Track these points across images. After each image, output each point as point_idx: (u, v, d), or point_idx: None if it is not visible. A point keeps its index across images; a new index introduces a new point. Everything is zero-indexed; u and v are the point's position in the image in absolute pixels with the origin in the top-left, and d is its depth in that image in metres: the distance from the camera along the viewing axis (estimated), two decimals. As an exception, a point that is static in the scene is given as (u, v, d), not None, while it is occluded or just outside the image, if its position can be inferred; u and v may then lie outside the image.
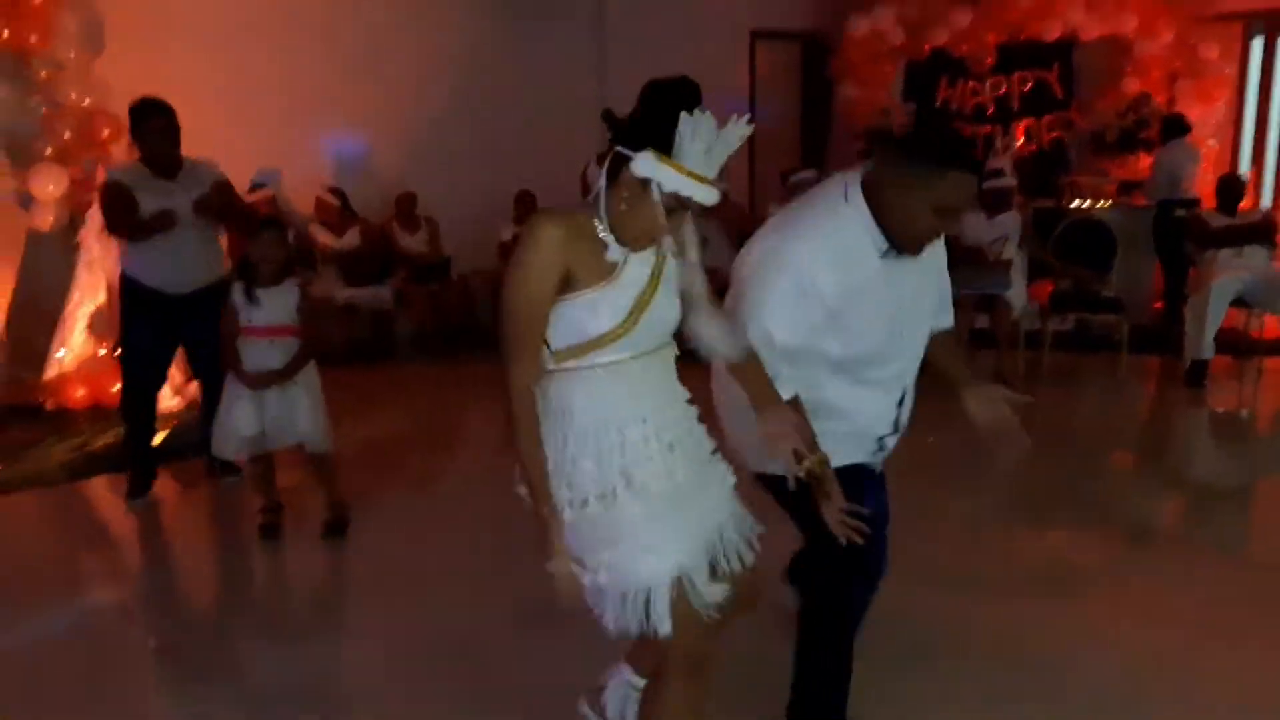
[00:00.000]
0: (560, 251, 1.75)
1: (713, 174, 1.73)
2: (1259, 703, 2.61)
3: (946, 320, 2.37)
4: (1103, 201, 7.70)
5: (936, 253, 2.24)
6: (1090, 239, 6.65)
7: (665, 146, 1.71)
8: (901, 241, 2.08)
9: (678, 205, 1.75)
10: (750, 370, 2.04)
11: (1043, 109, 8.72)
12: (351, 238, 6.84)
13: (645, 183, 1.73)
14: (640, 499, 1.82)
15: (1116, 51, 8.48)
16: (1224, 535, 3.97)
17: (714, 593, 1.87)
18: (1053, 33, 8.35)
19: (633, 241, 1.80)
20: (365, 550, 3.78)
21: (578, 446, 1.83)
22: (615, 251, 1.79)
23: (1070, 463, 4.76)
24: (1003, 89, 8.79)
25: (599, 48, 8.29)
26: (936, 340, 2.33)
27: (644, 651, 2.11)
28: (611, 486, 1.81)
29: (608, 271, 1.79)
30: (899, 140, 2.18)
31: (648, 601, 1.81)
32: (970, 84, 8.85)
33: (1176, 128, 7.38)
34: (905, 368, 2.24)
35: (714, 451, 1.99)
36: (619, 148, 1.76)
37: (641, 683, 2.14)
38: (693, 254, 1.88)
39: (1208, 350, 5.91)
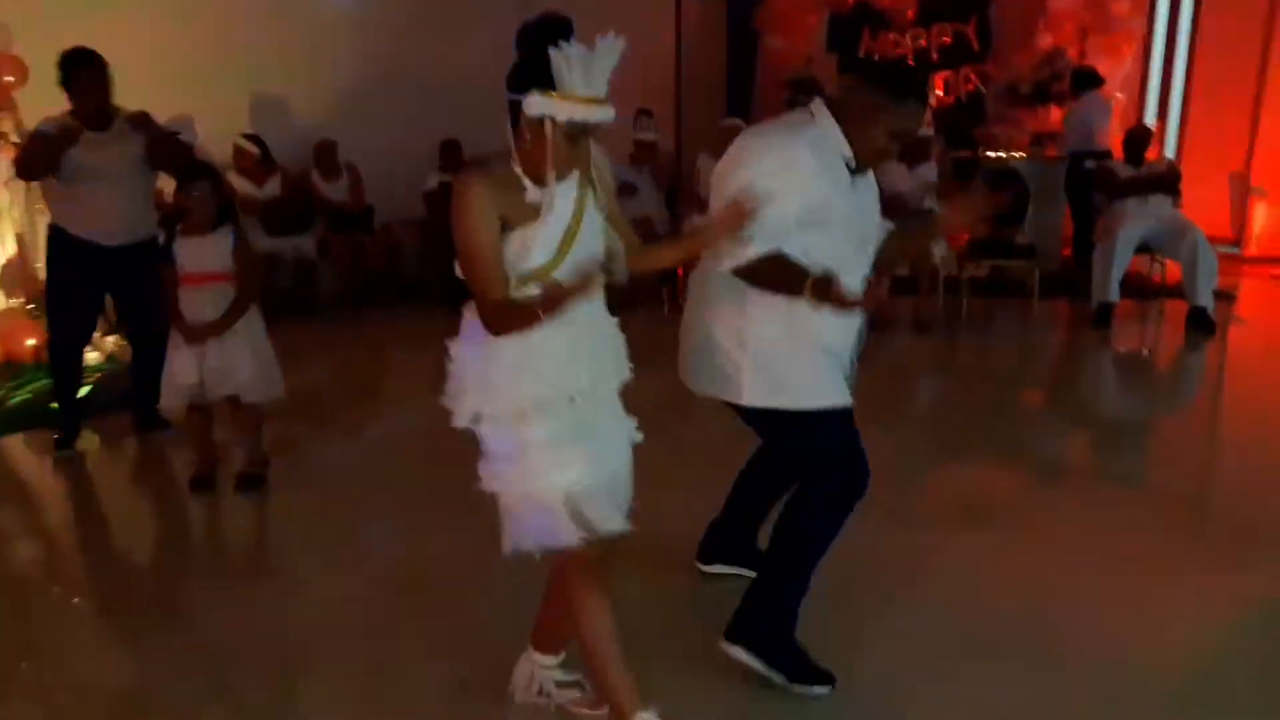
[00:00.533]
0: (491, 202, 1.88)
1: (600, 93, 1.84)
2: (1163, 616, 2.82)
3: (885, 227, 2.57)
4: (1017, 152, 7.94)
5: (871, 176, 2.49)
6: (1005, 188, 6.87)
7: (548, 82, 1.81)
8: (861, 158, 2.33)
9: (579, 133, 1.87)
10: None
11: (960, 61, 8.91)
12: (272, 187, 6.67)
13: (540, 121, 1.84)
14: (548, 421, 1.96)
15: (1031, 6, 8.70)
16: (1127, 467, 4.21)
17: (605, 519, 1.99)
18: (970, -15, 8.53)
19: (548, 178, 1.89)
20: (298, 501, 3.77)
21: (499, 368, 1.95)
22: (534, 193, 1.91)
23: (986, 401, 4.98)
24: (922, 41, 8.95)
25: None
26: (890, 239, 2.54)
27: (545, 633, 2.31)
28: (523, 407, 1.95)
29: (534, 212, 1.90)
30: (867, 68, 2.39)
31: (546, 513, 1.95)
32: (891, 36, 8.98)
33: (1089, 80, 7.62)
34: (862, 282, 2.42)
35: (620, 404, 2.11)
36: (510, 95, 1.87)
37: (549, 660, 2.31)
38: (606, 178, 2.05)
39: (1114, 294, 6.20)
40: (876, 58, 9.01)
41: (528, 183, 1.91)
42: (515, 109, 1.87)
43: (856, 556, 2.75)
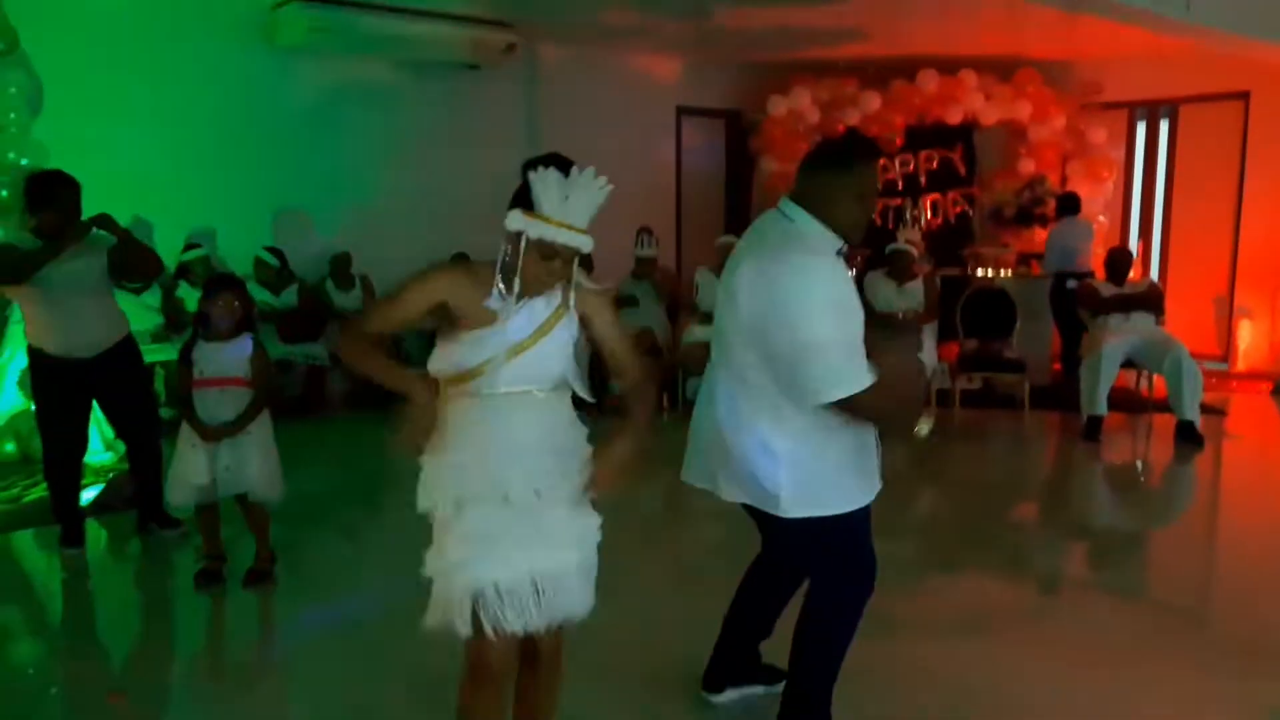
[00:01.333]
0: (444, 289, 2.06)
1: (579, 221, 2.03)
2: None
3: None
4: (1004, 271, 8.23)
5: None
6: (993, 306, 7.13)
7: (529, 204, 2.02)
8: (845, 232, 2.43)
9: (551, 253, 2.04)
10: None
11: (947, 185, 9.31)
12: (289, 296, 6.94)
13: (516, 236, 2.03)
14: (475, 516, 2.07)
15: (1013, 134, 9.16)
16: (1121, 578, 4.28)
17: (511, 620, 2.07)
18: (955, 117, 8.98)
19: (524, 290, 2.06)
20: (303, 599, 3.83)
21: (440, 459, 2.11)
22: (494, 300, 2.07)
23: (979, 512, 5.07)
24: (911, 166, 9.37)
25: (531, 118, 8.62)
26: None
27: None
28: (455, 501, 2.08)
29: (492, 319, 2.06)
30: (808, 159, 2.49)
31: (456, 606, 2.06)
32: (881, 161, 9.39)
33: (1069, 205, 7.98)
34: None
35: (583, 504, 2.19)
36: (507, 214, 2.06)
37: None
38: (600, 307, 2.20)
39: (1102, 407, 6.35)
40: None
41: (497, 289, 2.06)
42: (511, 231, 2.06)
43: (851, 666, 2.83)
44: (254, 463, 3.74)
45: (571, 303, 2.14)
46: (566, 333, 2.15)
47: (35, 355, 4.21)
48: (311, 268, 7.38)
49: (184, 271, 6.60)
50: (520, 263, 2.03)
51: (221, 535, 3.93)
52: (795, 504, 2.42)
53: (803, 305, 2.31)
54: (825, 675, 2.57)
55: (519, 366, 2.08)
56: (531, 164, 2.04)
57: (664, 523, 4.99)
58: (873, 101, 9.05)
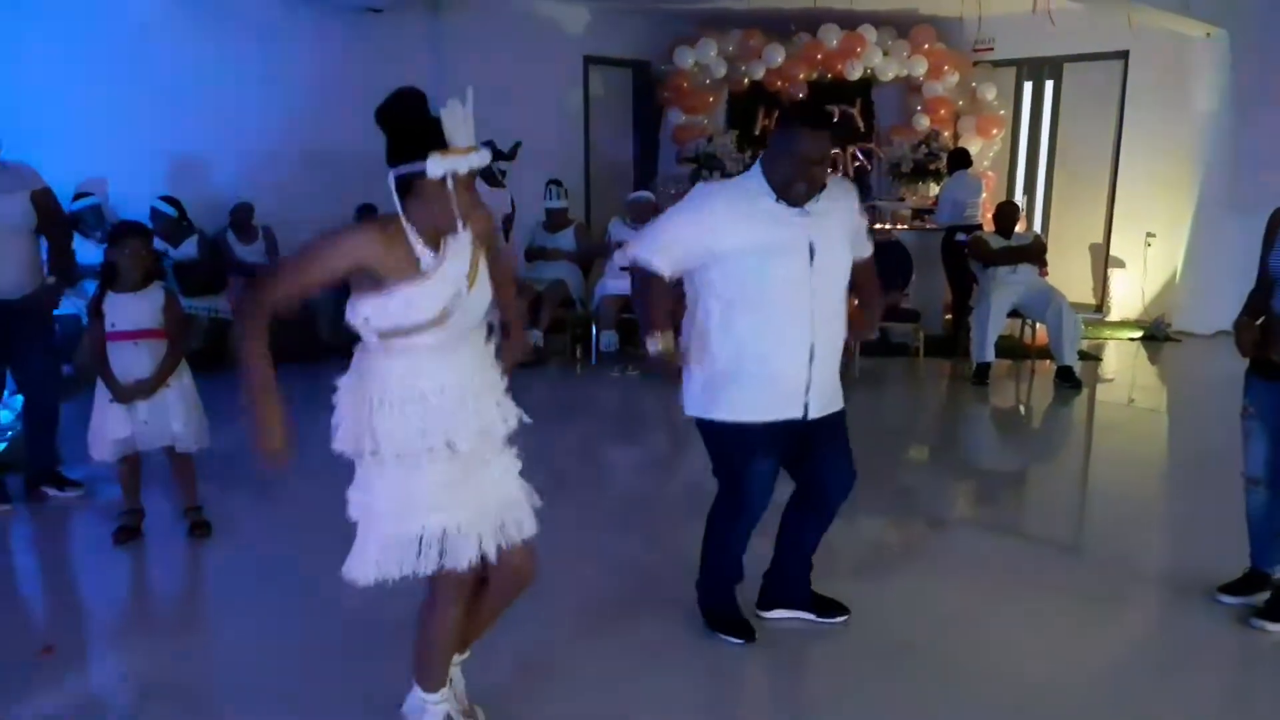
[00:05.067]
0: (360, 252, 2.05)
1: (474, 140, 2.09)
2: (1031, 646, 3.19)
3: (863, 252, 2.96)
4: (900, 225, 8.55)
5: (845, 219, 2.86)
6: (891, 257, 7.41)
7: (440, 144, 2.03)
8: (777, 188, 2.70)
9: (471, 181, 2.11)
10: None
11: (848, 140, 9.56)
12: (188, 248, 6.73)
13: (443, 179, 2.04)
14: (433, 464, 2.15)
15: (909, 91, 9.45)
16: (1005, 515, 4.63)
17: (472, 552, 2.21)
18: (855, 73, 9.21)
19: (442, 234, 2.11)
20: (225, 552, 3.85)
21: (387, 410, 2.14)
22: (428, 261, 2.10)
23: (873, 455, 5.31)
24: (813, 120, 9.56)
25: (437, 66, 8.47)
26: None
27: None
28: (412, 449, 2.13)
29: (419, 271, 2.10)
30: (778, 114, 2.85)
31: (422, 545, 2.17)
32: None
33: (961, 160, 8.31)
34: (813, 318, 2.76)
35: (509, 438, 2.33)
36: (401, 169, 2.06)
37: (455, 658, 2.49)
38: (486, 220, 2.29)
39: (989, 354, 6.74)
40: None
41: (420, 247, 2.09)
42: (407, 179, 2.05)
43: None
44: (176, 414, 3.71)
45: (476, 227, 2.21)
46: (484, 263, 2.22)
47: None
48: (210, 218, 7.16)
49: (75, 222, 6.34)
50: (453, 201, 2.04)
51: (139, 490, 3.90)
52: (689, 403, 2.90)
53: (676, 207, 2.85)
54: (707, 572, 3.09)
55: (465, 310, 2.14)
56: (397, 109, 2.05)
57: (578, 471, 5.14)
58: (777, 54, 9.20)
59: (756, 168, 2.79)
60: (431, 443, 2.14)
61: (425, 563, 2.18)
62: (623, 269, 2.86)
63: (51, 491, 4.39)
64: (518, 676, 2.85)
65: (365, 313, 2.11)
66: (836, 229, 2.81)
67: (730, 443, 2.85)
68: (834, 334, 2.84)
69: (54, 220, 4.30)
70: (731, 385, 2.78)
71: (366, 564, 2.20)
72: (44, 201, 4.20)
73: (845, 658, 3.02)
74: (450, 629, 2.35)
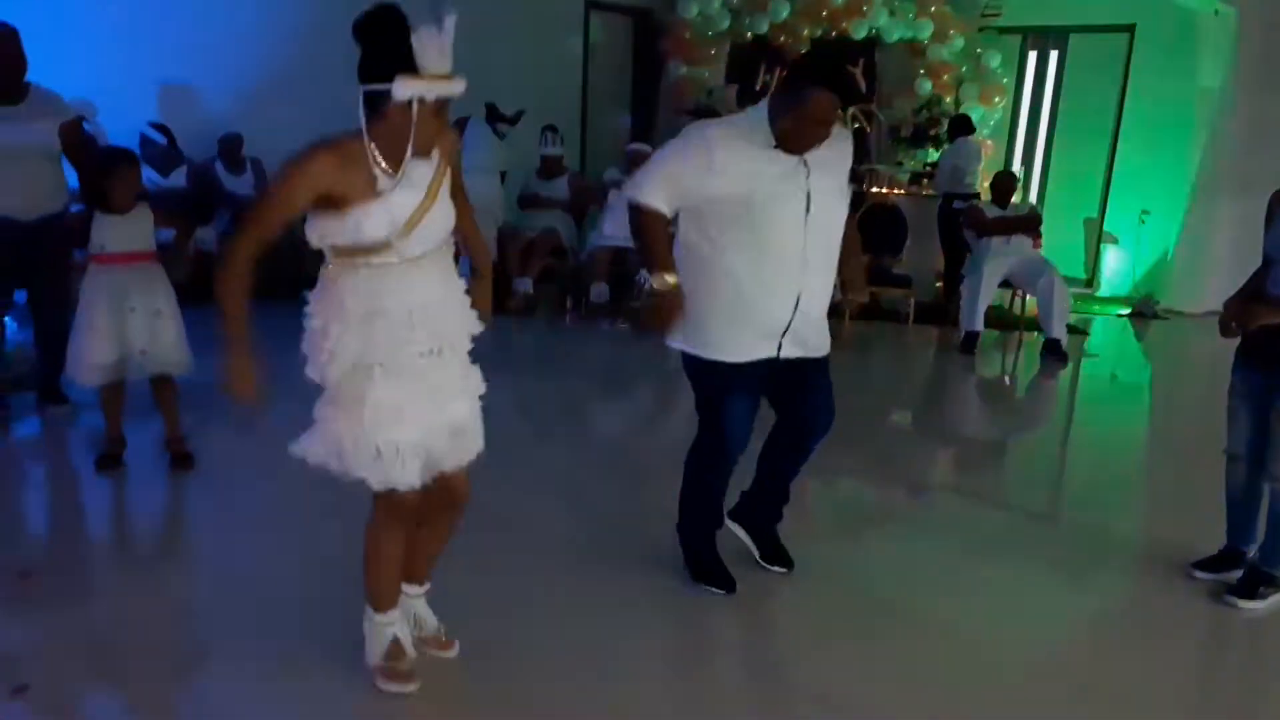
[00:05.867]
0: (324, 179, 2.03)
1: (450, 67, 2.05)
2: (1006, 610, 3.22)
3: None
4: (898, 190, 8.50)
5: (843, 171, 2.87)
6: (887, 222, 7.40)
7: (410, 66, 2.00)
8: (781, 140, 2.68)
9: (441, 107, 2.08)
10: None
11: (853, 102, 9.45)
12: (177, 178, 6.62)
13: (408, 103, 2.02)
14: (391, 380, 2.16)
15: (913, 53, 9.34)
16: (985, 482, 4.66)
17: (427, 469, 2.25)
18: (860, 32, 9.09)
19: (410, 156, 2.08)
20: (203, 482, 3.84)
21: (344, 327, 2.15)
22: (385, 182, 2.09)
23: (859, 420, 5.36)
24: (815, 79, 9.44)
25: (433, 6, 8.30)
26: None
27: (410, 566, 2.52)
28: (369, 365, 2.15)
29: (375, 191, 2.09)
30: (792, 63, 2.82)
31: (375, 459, 2.18)
32: (785, 71, 9.45)
33: (963, 126, 8.23)
34: (805, 266, 2.78)
35: (472, 360, 2.36)
36: (369, 87, 2.04)
37: (414, 590, 2.56)
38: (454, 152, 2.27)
39: (979, 323, 6.75)
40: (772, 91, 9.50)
41: (379, 167, 2.08)
42: (374, 98, 2.04)
43: (737, 562, 3.13)
44: (171, 339, 3.68)
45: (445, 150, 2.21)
46: (447, 187, 2.22)
47: None
48: (199, 148, 7.03)
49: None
50: (414, 127, 2.03)
51: (121, 417, 3.86)
52: (675, 335, 2.89)
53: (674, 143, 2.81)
54: (686, 516, 3.12)
55: (421, 231, 2.14)
56: (373, 24, 2.02)
57: (564, 421, 5.14)
58: (783, 8, 9.06)
59: (760, 110, 2.75)
60: (382, 358, 2.16)
61: (371, 473, 2.20)
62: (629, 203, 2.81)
63: (50, 408, 4.45)
64: (494, 615, 2.86)
65: (321, 230, 2.12)
66: (833, 179, 2.81)
67: (709, 378, 2.91)
68: (823, 284, 2.88)
69: (83, 150, 4.33)
70: (714, 324, 2.83)
71: (315, 445, 2.24)
72: (72, 133, 4.22)
73: (823, 613, 3.04)
74: (393, 549, 2.37)
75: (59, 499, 3.86)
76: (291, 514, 3.49)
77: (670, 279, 2.76)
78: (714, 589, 3.07)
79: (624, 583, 3.14)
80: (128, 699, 2.53)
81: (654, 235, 2.78)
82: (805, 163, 2.73)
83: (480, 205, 2.81)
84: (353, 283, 2.15)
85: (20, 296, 4.59)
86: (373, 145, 2.07)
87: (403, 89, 1.99)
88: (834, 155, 2.81)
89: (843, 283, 2.99)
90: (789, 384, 2.98)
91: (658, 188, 2.75)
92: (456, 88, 2.07)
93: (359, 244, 2.10)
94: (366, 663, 2.48)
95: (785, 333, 2.85)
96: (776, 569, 3.25)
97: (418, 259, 2.17)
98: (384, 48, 2.00)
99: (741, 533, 3.25)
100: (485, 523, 3.38)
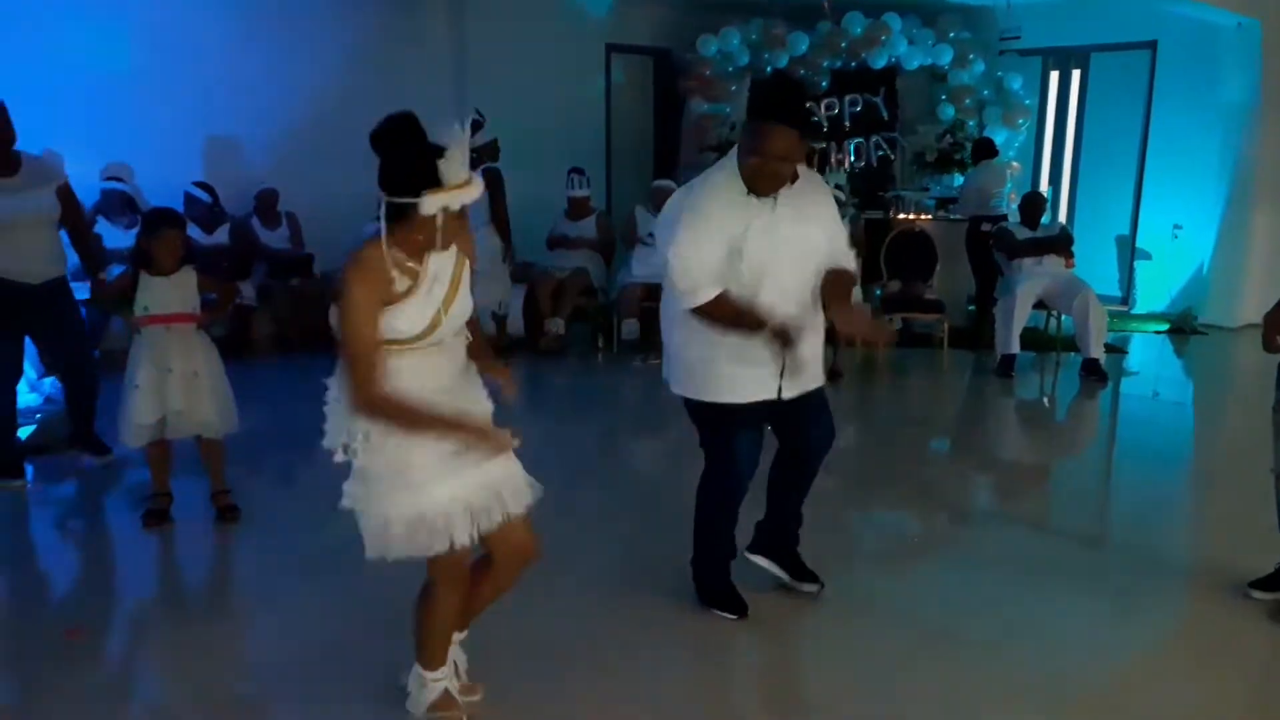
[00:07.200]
0: (373, 299, 2.13)
1: (468, 173, 2.13)
2: (1056, 637, 3.17)
3: (842, 263, 2.96)
4: (924, 215, 8.49)
5: (820, 212, 2.89)
6: (915, 248, 7.37)
7: (435, 181, 2.07)
8: (749, 182, 2.71)
9: (463, 212, 2.17)
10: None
11: (870, 129, 9.50)
12: (220, 235, 6.76)
13: (433, 215, 2.10)
14: (431, 449, 2.20)
15: (934, 79, 9.37)
16: (1028, 507, 4.58)
17: (471, 530, 2.27)
18: (880, 61, 9.14)
19: (421, 258, 2.18)
20: (250, 537, 3.87)
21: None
22: (401, 284, 2.18)
23: (898, 447, 5.34)
24: (835, 109, 9.52)
25: (458, 55, 8.47)
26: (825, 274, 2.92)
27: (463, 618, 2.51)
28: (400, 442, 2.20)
29: (401, 294, 2.17)
30: (749, 99, 2.81)
31: (427, 529, 2.22)
32: (779, 128, 9.46)
33: (986, 150, 8.23)
34: (782, 303, 2.81)
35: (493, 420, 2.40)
36: (395, 200, 2.10)
37: (458, 636, 2.56)
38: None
39: (1014, 346, 6.69)
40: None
41: (397, 270, 2.16)
42: (397, 209, 2.09)
43: (770, 596, 3.15)
44: (207, 402, 3.74)
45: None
46: (467, 278, 2.32)
47: None
48: (236, 203, 7.19)
49: (104, 207, 6.38)
50: (438, 234, 2.12)
51: (168, 473, 3.92)
52: (674, 383, 3.03)
53: (670, 222, 2.78)
54: (700, 547, 3.15)
55: (448, 322, 2.25)
56: (394, 134, 2.07)
57: (595, 460, 5.15)
58: (801, 43, 9.14)
59: (730, 159, 2.78)
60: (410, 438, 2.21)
61: (430, 541, 2.23)
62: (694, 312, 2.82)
63: (87, 457, 4.57)
64: (515, 654, 2.87)
65: None
66: (808, 221, 2.84)
67: (713, 418, 2.96)
68: (812, 323, 2.92)
69: (77, 212, 4.49)
70: (709, 369, 2.90)
71: (389, 540, 2.25)
72: (66, 195, 4.35)
73: (866, 643, 3.01)
74: (450, 613, 2.41)
75: (104, 553, 3.91)
76: (336, 563, 3.51)
77: (773, 324, 2.75)
78: (726, 614, 3.11)
79: (660, 619, 3.13)
80: (181, 753, 2.54)
81: (733, 312, 2.76)
82: (775, 204, 2.76)
83: (486, 255, 2.88)
84: (398, 365, 2.20)
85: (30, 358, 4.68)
86: (393, 251, 2.15)
87: (431, 205, 2.07)
88: (806, 198, 2.84)
89: (832, 321, 2.97)
90: (790, 415, 3.03)
91: (704, 281, 2.73)
92: (476, 191, 2.14)
93: (406, 336, 2.20)
94: (409, 711, 2.48)
95: (782, 374, 2.88)
96: (807, 587, 3.27)
97: (441, 343, 2.28)
98: (408, 162, 2.06)
99: (765, 562, 3.28)
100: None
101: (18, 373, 4.48)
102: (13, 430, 4.43)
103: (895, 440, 5.49)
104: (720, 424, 2.96)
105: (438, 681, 2.48)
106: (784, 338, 2.75)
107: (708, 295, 2.75)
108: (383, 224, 2.12)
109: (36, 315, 4.28)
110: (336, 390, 2.26)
